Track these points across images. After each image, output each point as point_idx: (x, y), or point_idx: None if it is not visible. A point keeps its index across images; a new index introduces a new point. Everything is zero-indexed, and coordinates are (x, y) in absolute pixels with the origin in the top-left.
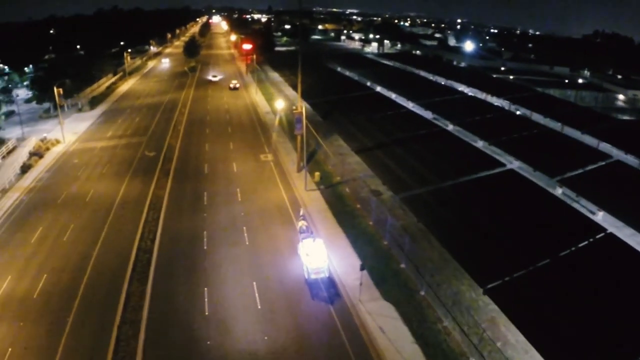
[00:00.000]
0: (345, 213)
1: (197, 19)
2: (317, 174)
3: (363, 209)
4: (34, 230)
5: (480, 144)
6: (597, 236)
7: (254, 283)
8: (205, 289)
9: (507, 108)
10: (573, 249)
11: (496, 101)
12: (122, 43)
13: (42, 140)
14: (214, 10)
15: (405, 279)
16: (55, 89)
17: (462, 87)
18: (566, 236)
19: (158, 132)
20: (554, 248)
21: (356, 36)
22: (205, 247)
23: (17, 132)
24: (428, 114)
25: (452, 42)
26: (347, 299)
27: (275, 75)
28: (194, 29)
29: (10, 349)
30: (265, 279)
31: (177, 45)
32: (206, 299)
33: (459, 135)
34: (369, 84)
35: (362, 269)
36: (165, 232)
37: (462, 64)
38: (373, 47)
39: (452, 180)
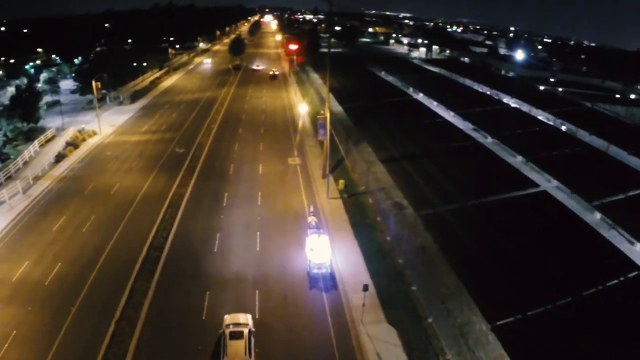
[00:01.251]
0: (364, 226)
1: (249, 18)
2: (341, 181)
3: (383, 222)
4: (58, 218)
5: (518, 159)
6: (631, 274)
7: (257, 291)
8: (208, 292)
9: (551, 122)
10: (600, 287)
11: (541, 114)
12: (171, 39)
13: (79, 131)
14: (267, 10)
15: (415, 302)
16: (93, 82)
17: (506, 98)
18: (595, 272)
19: (192, 129)
20: (578, 284)
21: (405, 40)
22: (215, 250)
23: (58, 122)
24: (466, 125)
25: (502, 50)
26: (349, 318)
27: (316, 77)
28: (245, 27)
29: (15, 332)
30: (268, 288)
31: (226, 43)
32: (206, 303)
33: (496, 149)
34: (408, 90)
35: (365, 289)
36: (179, 231)
37: (510, 74)
38: (421, 52)
39: (478, 200)
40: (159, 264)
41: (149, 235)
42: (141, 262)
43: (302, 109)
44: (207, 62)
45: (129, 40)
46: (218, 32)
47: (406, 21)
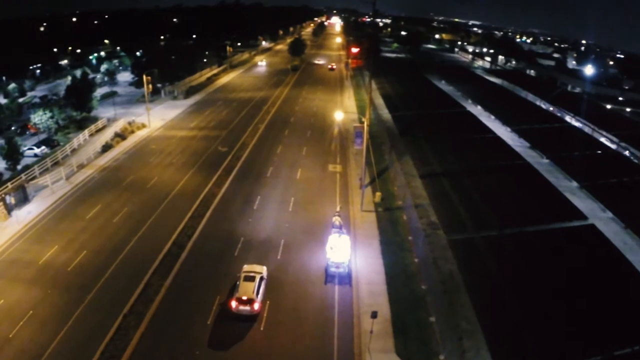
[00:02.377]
0: (393, 243)
1: (315, 19)
2: (378, 194)
3: (414, 242)
4: (92, 207)
5: (572, 184)
6: None
7: (267, 301)
8: (218, 297)
9: (614, 146)
10: (637, 348)
11: (604, 136)
12: (234, 36)
13: (129, 123)
14: (334, 11)
15: (430, 335)
16: (144, 76)
17: (569, 116)
18: (632, 329)
19: (238, 128)
20: (612, 341)
21: (470, 48)
22: (235, 254)
23: (112, 112)
24: (520, 143)
25: (571, 64)
26: (356, 342)
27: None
28: (310, 28)
29: (31, 312)
30: (279, 299)
31: (289, 43)
32: (214, 308)
33: (549, 171)
34: (464, 101)
35: (373, 316)
36: (205, 231)
37: (577, 90)
38: (485, 61)
39: (515, 228)
40: (177, 262)
41: (174, 232)
42: (161, 258)
43: (338, 115)
44: (261, 64)
45: (194, 36)
46: (281, 32)
47: (474, 29)
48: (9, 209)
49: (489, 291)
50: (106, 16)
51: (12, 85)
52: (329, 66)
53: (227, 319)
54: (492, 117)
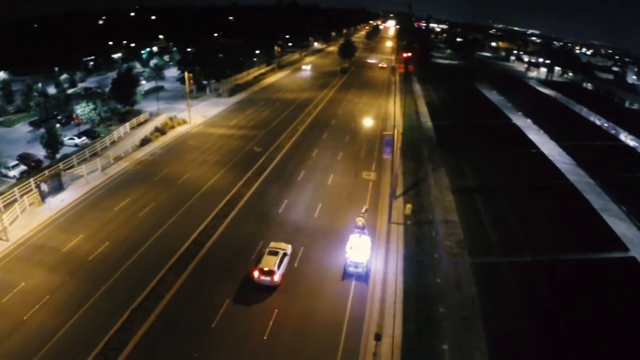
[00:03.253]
0: (417, 261)
1: (370, 21)
2: (409, 206)
3: (439, 261)
4: (122, 199)
5: (618, 210)
6: None
7: (275, 310)
8: (228, 300)
9: None
10: None
11: None
12: (286, 36)
13: (170, 118)
14: (391, 15)
15: None
16: (186, 73)
17: (623, 134)
18: None
19: (278, 128)
20: None
21: (526, 58)
22: (252, 257)
23: (155, 107)
24: (567, 160)
25: (631, 78)
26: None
27: (417, 88)
28: (364, 31)
29: (47, 297)
30: (287, 307)
31: (339, 45)
32: (221, 311)
33: (595, 193)
34: (512, 112)
35: (377, 339)
36: (226, 231)
37: (635, 106)
38: (541, 72)
39: (547, 255)
40: (193, 261)
41: (196, 230)
42: (178, 255)
43: (367, 122)
44: (305, 69)
45: (245, 34)
46: (333, 33)
47: (533, 38)
48: (44, 196)
49: (507, 324)
50: (163, 12)
51: (64, 76)
52: (380, 65)
53: (250, 288)
54: (541, 131)
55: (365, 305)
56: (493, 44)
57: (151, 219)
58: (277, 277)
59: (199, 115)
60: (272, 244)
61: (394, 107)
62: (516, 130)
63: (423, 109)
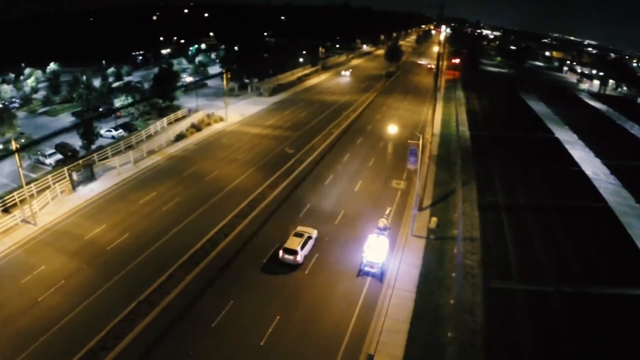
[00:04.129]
0: (434, 278)
1: (422, 26)
2: (434, 219)
3: (457, 280)
4: (149, 193)
5: None
6: None
7: (277, 316)
8: (232, 302)
9: None
10: None
11: None
12: (336, 38)
13: (208, 115)
14: (444, 20)
15: None
16: (223, 72)
17: None
18: None
19: (313, 130)
20: None
21: (579, 69)
22: (264, 261)
23: (195, 103)
24: (611, 180)
25: None
26: None
27: (460, 95)
28: (414, 35)
29: (63, 281)
30: (290, 316)
31: (386, 48)
32: (220, 317)
33: (635, 217)
34: (557, 125)
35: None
36: (243, 232)
37: None
38: (594, 84)
39: (570, 287)
40: (205, 260)
41: (213, 229)
42: (192, 253)
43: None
44: (345, 75)
45: (295, 34)
46: (382, 37)
47: (589, 49)
48: (75, 185)
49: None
50: (217, 10)
51: (111, 70)
52: (428, 66)
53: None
54: (587, 147)
55: (372, 319)
56: (547, 53)
57: (173, 214)
58: (299, 258)
59: (237, 113)
60: (299, 228)
61: (433, 115)
62: (558, 145)
63: (463, 117)
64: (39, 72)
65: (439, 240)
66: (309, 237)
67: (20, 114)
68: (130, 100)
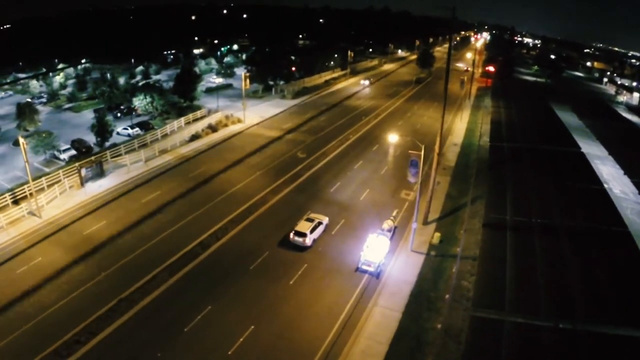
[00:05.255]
0: (425, 299)
1: (462, 32)
2: (437, 234)
3: (451, 301)
4: (152, 192)
5: None
6: None
7: (252, 326)
8: (210, 307)
9: None
10: None
11: None
12: (370, 42)
13: (227, 117)
14: (486, 27)
15: None
16: (243, 74)
17: None
18: None
19: (329, 135)
20: None
21: (619, 81)
22: (251, 268)
23: (215, 104)
24: (639, 200)
25: None
26: None
27: (488, 104)
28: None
29: (55, 274)
30: (261, 327)
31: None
32: (198, 318)
33: None
34: (588, 139)
35: None
36: (236, 237)
37: None
38: (634, 97)
39: (569, 323)
40: (191, 263)
41: (207, 231)
42: (181, 254)
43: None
44: (363, 84)
45: (329, 38)
46: (418, 42)
47: (633, 60)
48: (83, 180)
49: None
50: (256, 11)
51: (139, 68)
52: (465, 68)
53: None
54: (616, 164)
55: (349, 339)
56: (588, 63)
57: (173, 213)
58: (308, 240)
59: (256, 115)
60: (312, 214)
61: (442, 123)
62: (582, 160)
63: (487, 127)
64: (70, 69)
65: (439, 257)
66: (319, 223)
67: (47, 109)
68: (149, 99)
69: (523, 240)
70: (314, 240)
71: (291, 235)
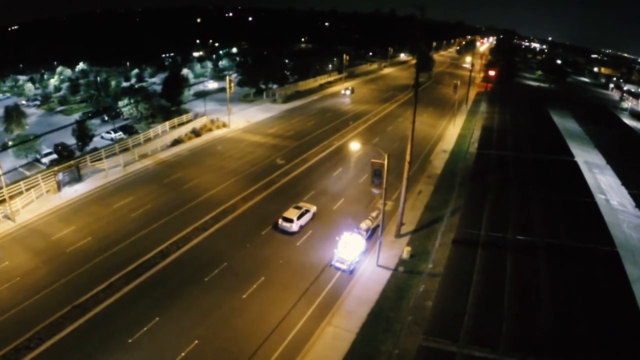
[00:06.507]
0: (384, 320)
1: (468, 36)
2: (407, 249)
3: (412, 324)
4: (125, 197)
5: None
6: None
7: (196, 341)
8: (157, 318)
9: None
10: None
11: None
12: (374, 45)
13: (212, 121)
14: (492, 32)
15: None
16: (227, 78)
17: None
18: None
19: (313, 141)
20: None
21: (625, 87)
22: (206, 279)
23: (206, 108)
24: (634, 214)
25: None
26: None
27: (483, 109)
28: (457, 45)
29: (18, 278)
30: (208, 340)
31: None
32: (144, 330)
33: None
34: (585, 147)
35: None
36: (197, 245)
37: None
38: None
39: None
40: (148, 272)
41: (170, 239)
42: (140, 262)
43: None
44: (345, 94)
45: (330, 41)
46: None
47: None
48: (60, 185)
49: None
50: (261, 14)
51: (135, 71)
52: (470, 68)
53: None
54: (613, 175)
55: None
56: (595, 69)
57: (138, 221)
58: (295, 226)
59: (243, 119)
60: (301, 204)
61: (413, 129)
62: (574, 170)
63: (478, 133)
64: (68, 71)
65: (407, 273)
66: (307, 211)
67: (40, 111)
68: (133, 103)
69: (494, 259)
70: (301, 227)
71: (279, 221)
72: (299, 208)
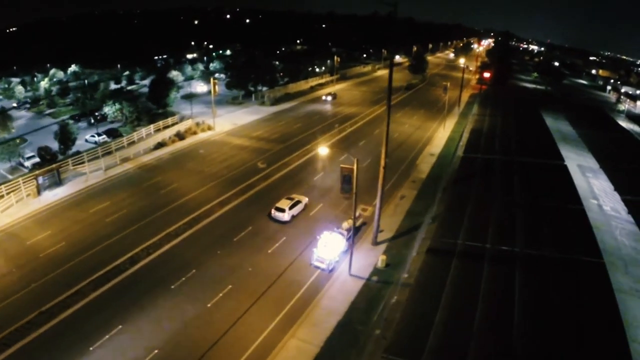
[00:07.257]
0: (351, 334)
1: (464, 38)
2: (382, 257)
3: (380, 338)
4: (103, 202)
5: None
6: None
7: (156, 350)
8: (120, 326)
9: None
10: None
11: None
12: (363, 47)
13: (197, 124)
14: (492, 34)
15: None
16: (211, 80)
17: None
18: None
19: (297, 144)
20: None
21: (623, 89)
22: (172, 287)
23: (195, 110)
24: (626, 221)
25: None
26: None
27: (475, 111)
28: (454, 47)
29: None
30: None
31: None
32: (106, 337)
33: None
34: (578, 149)
35: None
36: (167, 252)
37: None
38: (638, 106)
39: None
40: (116, 279)
41: (141, 245)
42: (109, 269)
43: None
44: (326, 99)
45: (323, 43)
46: (415, 48)
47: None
48: (40, 189)
49: None
50: (261, 15)
51: (126, 74)
52: (466, 66)
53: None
54: (606, 180)
55: None
56: (593, 71)
57: (113, 226)
58: (287, 216)
59: (229, 122)
60: (293, 195)
61: (387, 131)
62: (563, 175)
63: (467, 136)
64: (60, 73)
65: (381, 283)
66: (298, 201)
67: (29, 114)
68: (117, 106)
69: (469, 271)
70: (293, 216)
71: (272, 211)
72: (290, 199)
